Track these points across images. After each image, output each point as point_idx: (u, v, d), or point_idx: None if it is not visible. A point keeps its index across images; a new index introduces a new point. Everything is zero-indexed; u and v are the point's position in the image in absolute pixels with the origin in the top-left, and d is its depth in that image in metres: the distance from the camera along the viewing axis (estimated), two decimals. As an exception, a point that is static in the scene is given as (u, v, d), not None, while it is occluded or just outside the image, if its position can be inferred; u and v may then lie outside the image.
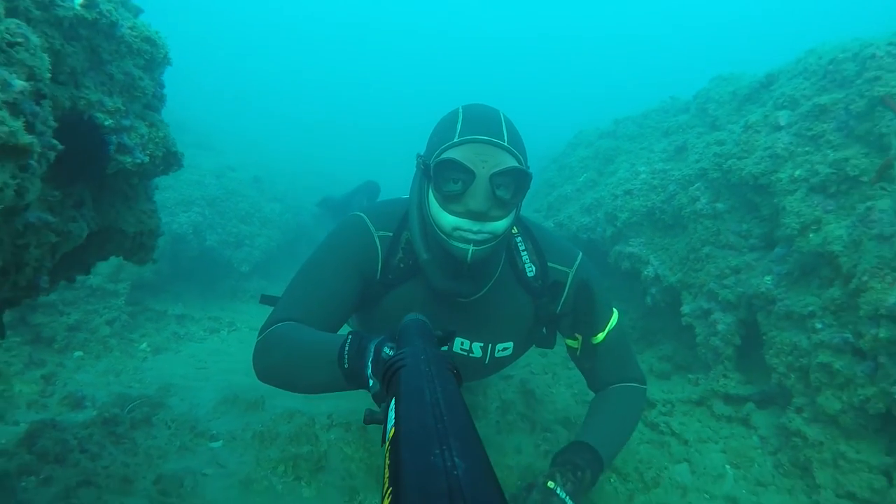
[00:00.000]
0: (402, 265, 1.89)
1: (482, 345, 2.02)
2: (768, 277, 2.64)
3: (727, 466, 2.68)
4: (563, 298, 2.04)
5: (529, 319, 2.05)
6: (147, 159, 1.57)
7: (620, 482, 2.56)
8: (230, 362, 3.86)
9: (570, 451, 1.97)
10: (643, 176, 3.47)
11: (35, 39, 1.02)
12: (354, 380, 1.27)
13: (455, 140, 1.59)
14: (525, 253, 2.00)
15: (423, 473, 0.48)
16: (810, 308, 2.38)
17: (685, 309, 3.08)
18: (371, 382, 1.19)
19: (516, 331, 2.06)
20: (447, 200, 1.59)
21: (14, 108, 0.96)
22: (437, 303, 1.88)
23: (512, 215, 1.67)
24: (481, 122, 1.61)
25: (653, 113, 4.56)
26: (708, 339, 2.95)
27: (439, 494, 0.44)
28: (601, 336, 2.08)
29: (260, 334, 1.74)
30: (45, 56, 1.05)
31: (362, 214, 1.92)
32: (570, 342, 2.15)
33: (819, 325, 2.33)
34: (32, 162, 1.01)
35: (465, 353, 2.02)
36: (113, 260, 2.17)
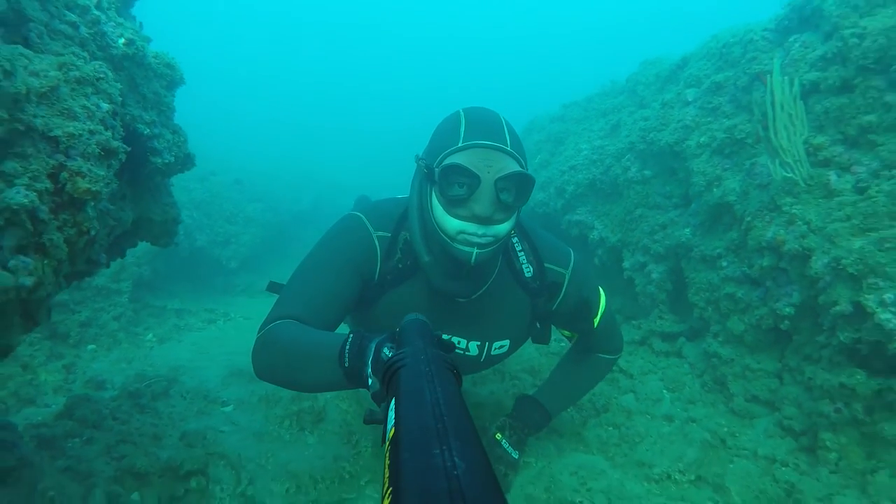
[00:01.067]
0: (400, 266, 1.88)
1: (479, 343, 2.04)
2: (687, 230, 3.16)
3: (664, 391, 3.19)
4: (559, 298, 2.08)
5: (526, 318, 2.08)
6: (172, 160, 2.00)
7: (576, 411, 3.03)
8: (230, 346, 4.27)
9: (523, 406, 2.39)
10: (585, 152, 3.98)
11: (111, 74, 1.45)
12: (355, 379, 1.27)
13: (460, 145, 1.59)
14: (522, 253, 2.02)
15: (423, 473, 0.48)
16: (718, 250, 2.90)
17: (626, 264, 3.59)
18: (371, 382, 1.19)
19: (513, 329, 2.08)
20: (452, 205, 1.60)
21: (104, 123, 1.39)
22: (435, 303, 1.90)
23: (514, 218, 1.68)
24: (484, 127, 1.62)
25: (595, 97, 5.06)
26: (645, 288, 3.46)
27: (439, 494, 0.45)
28: (594, 323, 2.22)
29: (259, 332, 1.72)
30: (117, 85, 1.48)
31: (360, 214, 1.92)
32: (565, 333, 2.31)
33: (725, 263, 2.85)
34: (114, 161, 1.44)
35: (462, 352, 2.05)
36: (114, 262, 2.53)
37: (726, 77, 3.03)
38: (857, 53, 2.27)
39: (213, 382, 3.50)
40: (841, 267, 2.13)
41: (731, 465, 2.58)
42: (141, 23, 2.17)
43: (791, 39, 2.73)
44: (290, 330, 1.62)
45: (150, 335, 4.27)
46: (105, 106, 1.39)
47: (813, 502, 2.23)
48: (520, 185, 1.60)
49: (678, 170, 3.28)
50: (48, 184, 1.25)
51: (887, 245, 2.03)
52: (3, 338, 1.34)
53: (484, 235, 1.61)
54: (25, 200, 1.18)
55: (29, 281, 1.22)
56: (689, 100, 3.22)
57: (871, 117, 2.26)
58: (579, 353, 2.41)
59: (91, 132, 1.33)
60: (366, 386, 1.21)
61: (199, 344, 4.30)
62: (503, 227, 1.64)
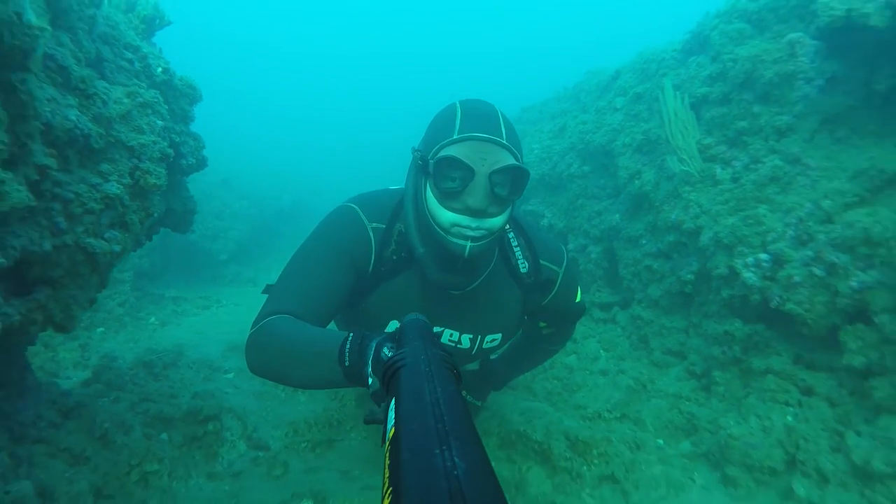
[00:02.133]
0: (394, 257, 1.87)
1: (471, 336, 2.05)
2: (617, 215, 3.79)
3: (601, 351, 3.81)
4: (551, 295, 2.10)
5: (518, 312, 2.09)
6: (193, 161, 2.53)
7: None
8: (225, 327, 4.78)
9: (486, 369, 2.64)
10: (536, 151, 4.59)
11: (161, 98, 1.99)
12: (354, 378, 1.27)
13: (455, 137, 1.58)
14: (518, 249, 2.01)
15: (423, 473, 0.49)
16: (639, 231, 3.53)
17: (570, 246, 4.21)
18: (371, 381, 1.18)
19: (505, 323, 2.09)
20: (446, 197, 1.58)
21: (160, 135, 1.94)
22: (429, 295, 1.89)
23: (508, 211, 1.66)
24: (480, 119, 1.60)
25: (549, 101, 5.69)
26: (586, 266, 4.09)
27: (439, 494, 0.45)
28: (574, 322, 2.37)
29: (253, 327, 1.69)
30: (165, 106, 2.02)
31: (354, 206, 1.90)
32: (542, 325, 2.37)
33: (644, 242, 3.48)
34: (167, 163, 1.99)
35: (454, 345, 2.05)
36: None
37: (645, 88, 3.67)
38: (733, 74, 2.92)
39: (215, 355, 4.01)
40: (720, 239, 2.77)
41: (648, 404, 3.20)
42: (160, 48, 2.70)
43: (691, 60, 3.38)
44: (286, 327, 1.59)
45: (153, 319, 4.76)
46: (159, 122, 1.93)
47: (705, 424, 2.85)
48: (514, 178, 1.58)
49: (609, 166, 3.91)
50: (128, 179, 1.78)
51: (750, 221, 2.66)
52: (91, 292, 1.87)
53: (478, 228, 1.60)
54: (117, 191, 1.71)
55: (118, 248, 1.75)
56: (618, 107, 3.86)
57: (743, 123, 2.90)
58: (530, 341, 2.59)
59: (153, 142, 1.87)
60: (366, 385, 1.20)
61: (197, 326, 4.81)
62: (497, 221, 1.62)
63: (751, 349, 2.78)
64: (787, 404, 2.56)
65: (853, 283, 2.26)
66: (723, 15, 3.20)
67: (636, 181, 3.52)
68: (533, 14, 39.19)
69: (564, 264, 2.10)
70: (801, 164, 2.63)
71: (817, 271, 2.37)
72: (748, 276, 2.61)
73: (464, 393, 2.54)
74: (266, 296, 1.81)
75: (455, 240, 1.62)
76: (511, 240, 2.02)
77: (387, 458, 0.57)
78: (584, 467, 2.62)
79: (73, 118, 1.54)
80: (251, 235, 6.35)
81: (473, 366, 2.59)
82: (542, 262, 2.03)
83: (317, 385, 1.50)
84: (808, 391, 2.53)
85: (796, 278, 2.43)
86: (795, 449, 2.41)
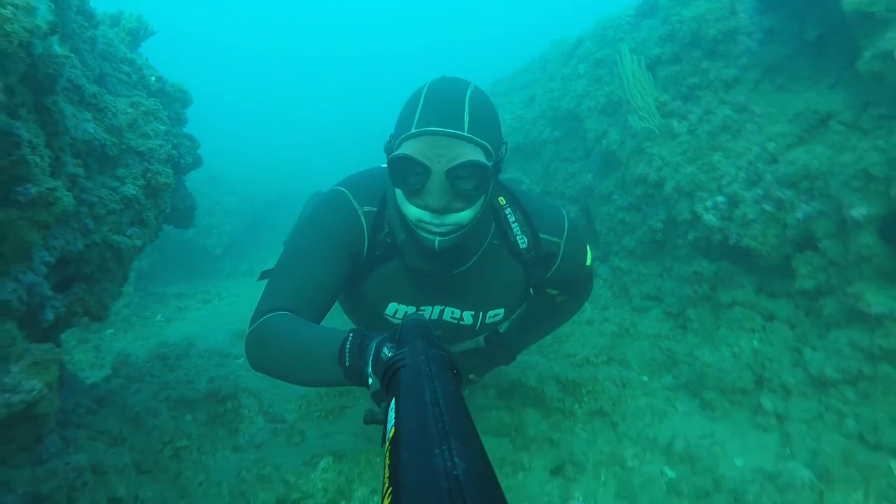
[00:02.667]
0: (388, 240, 1.83)
1: (473, 313, 2.02)
2: (589, 175, 4.03)
3: (586, 304, 4.08)
4: (554, 267, 2.02)
5: (520, 286, 2.05)
6: (191, 161, 2.73)
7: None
8: (228, 318, 5.00)
9: (492, 345, 2.49)
10: (508, 122, 4.80)
11: (160, 105, 2.19)
12: (355, 378, 1.26)
13: (412, 131, 1.52)
14: (516, 224, 1.94)
15: (423, 473, 0.49)
16: (610, 188, 3.78)
17: (549, 210, 4.45)
18: (371, 381, 1.18)
19: (507, 297, 2.05)
20: (408, 193, 1.55)
21: (164, 139, 2.14)
22: (426, 276, 1.86)
23: (478, 204, 1.60)
24: (441, 109, 1.52)
25: (519, 73, 5.88)
26: (565, 226, 4.33)
27: (439, 494, 0.46)
28: (582, 281, 2.27)
29: (251, 324, 1.68)
30: (164, 112, 2.22)
31: (344, 189, 1.85)
32: (551, 291, 2.26)
33: (616, 197, 3.73)
34: (171, 164, 2.19)
35: (456, 321, 2.02)
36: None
37: (605, 53, 3.89)
38: (681, 34, 3.14)
39: (223, 343, 4.25)
40: (681, 187, 3.02)
41: (632, 346, 3.47)
42: (146, 57, 2.88)
43: (644, 23, 3.61)
44: (286, 325, 1.57)
45: (159, 316, 4.96)
46: (162, 127, 2.13)
47: (683, 358, 3.13)
48: (477, 173, 1.51)
49: (578, 129, 4.14)
50: (141, 181, 1.99)
51: (706, 168, 2.92)
52: (118, 285, 2.09)
53: (441, 225, 1.55)
54: (133, 192, 1.92)
55: (139, 243, 1.97)
56: (581, 73, 4.08)
57: (694, 79, 3.14)
58: (547, 305, 2.42)
59: (160, 146, 2.07)
60: (366, 385, 1.20)
61: (201, 319, 5.02)
62: (464, 215, 1.56)
63: (718, 285, 3.05)
64: (752, 331, 2.84)
65: (798, 215, 2.52)
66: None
67: (603, 141, 3.75)
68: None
69: (566, 234, 1.99)
70: (748, 111, 2.88)
71: (767, 207, 2.63)
72: (708, 218, 2.87)
73: (471, 377, 2.48)
74: (264, 282, 1.80)
75: (423, 234, 1.59)
76: (508, 216, 1.94)
77: (387, 458, 0.57)
78: (576, 405, 2.90)
79: (91, 130, 1.74)
80: (243, 229, 6.54)
81: (477, 342, 2.52)
82: (541, 235, 1.95)
83: (317, 384, 1.52)
84: (770, 317, 2.81)
85: (750, 216, 2.69)
86: (762, 369, 2.70)
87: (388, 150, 1.63)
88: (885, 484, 2.05)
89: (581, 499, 2.30)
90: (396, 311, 1.95)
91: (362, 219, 1.80)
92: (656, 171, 3.22)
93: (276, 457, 2.77)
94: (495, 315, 2.07)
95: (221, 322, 4.89)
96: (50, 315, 1.55)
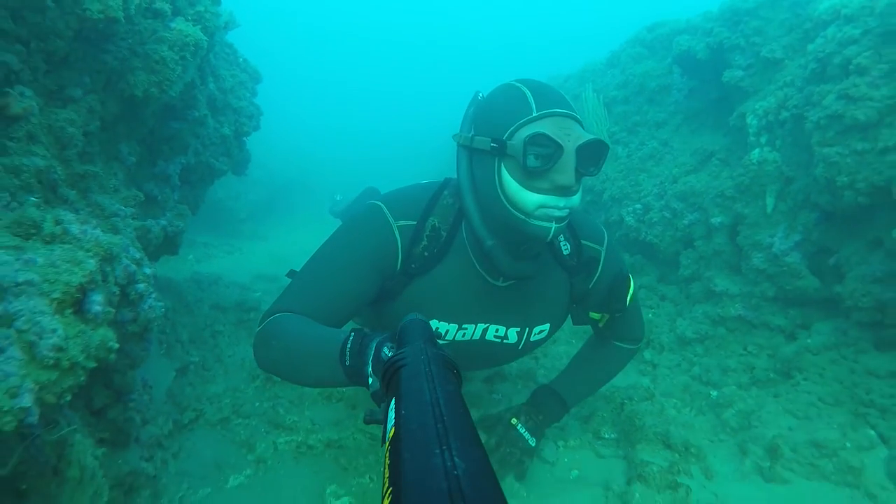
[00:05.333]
0: (426, 253, 1.79)
1: (518, 330, 1.94)
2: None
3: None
4: (596, 276, 2.00)
5: (565, 298, 2.00)
6: (256, 124, 3.72)
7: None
8: (250, 266, 5.97)
9: (540, 396, 2.29)
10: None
11: (247, 78, 3.19)
12: (355, 378, 1.26)
13: (535, 114, 1.51)
14: None
15: (423, 473, 0.49)
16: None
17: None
18: (371, 381, 1.18)
19: (553, 311, 1.99)
20: (531, 177, 1.50)
21: (249, 101, 3.15)
22: (468, 289, 1.82)
23: (581, 190, 1.61)
24: (554, 96, 1.56)
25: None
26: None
27: (439, 494, 0.46)
28: (626, 302, 2.10)
29: (261, 323, 1.70)
30: (251, 84, 3.22)
31: (381, 204, 1.83)
32: (594, 315, 2.15)
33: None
34: (253, 120, 3.21)
35: (500, 340, 1.95)
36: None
37: (581, 90, 4.92)
38: (632, 83, 4.18)
39: (245, 281, 5.21)
40: (614, 196, 4.02)
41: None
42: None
43: (609, 72, 4.66)
44: (291, 325, 1.59)
45: (190, 256, 5.94)
46: (247, 94, 3.13)
47: (601, 327, 4.09)
48: (598, 153, 1.54)
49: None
50: (233, 127, 2.98)
51: (633, 183, 3.93)
52: (203, 194, 3.06)
53: (564, 207, 1.53)
54: (228, 133, 2.91)
55: (225, 168, 2.95)
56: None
57: (637, 117, 4.17)
58: (600, 341, 2.32)
59: (246, 106, 3.07)
60: (366, 385, 1.20)
61: (226, 265, 5.99)
62: (578, 198, 1.58)
63: (634, 273, 4.02)
64: (650, 307, 3.80)
65: (685, 221, 3.52)
66: (629, 42, 4.48)
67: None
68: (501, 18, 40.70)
69: (606, 242, 2.02)
70: (668, 146, 3.90)
71: (667, 214, 3.63)
72: (629, 220, 3.86)
73: (514, 422, 2.25)
74: (288, 280, 1.86)
75: (539, 223, 1.53)
76: None
77: (387, 458, 0.57)
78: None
79: (213, 89, 2.73)
80: (265, 199, 7.55)
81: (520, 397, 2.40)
82: (583, 241, 1.94)
83: (320, 384, 1.53)
84: (662, 297, 3.78)
85: (655, 219, 3.69)
86: (650, 333, 3.66)
87: (495, 141, 1.53)
88: (703, 402, 2.99)
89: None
90: (437, 328, 1.86)
91: (396, 234, 1.76)
92: (601, 184, 4.22)
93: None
94: (540, 332, 1.98)
95: (243, 268, 5.86)
96: (178, 194, 2.53)
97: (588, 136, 1.50)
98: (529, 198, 1.51)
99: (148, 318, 1.65)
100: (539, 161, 1.47)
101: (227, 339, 3.77)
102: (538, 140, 1.45)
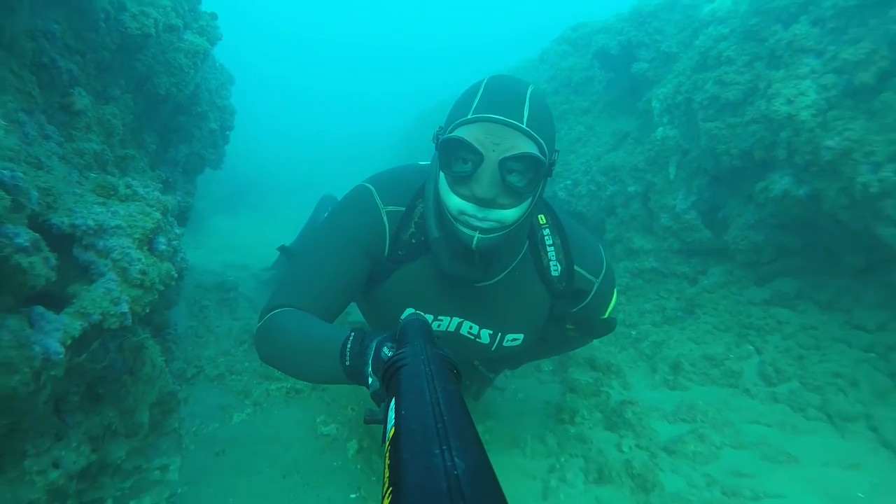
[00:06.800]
0: (413, 241, 1.76)
1: (491, 332, 1.92)
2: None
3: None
4: (582, 305, 1.96)
5: (544, 314, 1.94)
6: (232, 123, 4.17)
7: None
8: (218, 259, 6.33)
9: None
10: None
11: (228, 81, 3.64)
12: (355, 377, 1.25)
13: (469, 117, 1.43)
14: (552, 249, 1.84)
15: (423, 473, 0.49)
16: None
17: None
18: (371, 381, 1.17)
19: (529, 324, 1.95)
20: (455, 181, 1.46)
21: (230, 101, 3.60)
22: (448, 283, 1.78)
23: (526, 205, 1.51)
24: (500, 99, 1.44)
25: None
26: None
27: (439, 494, 0.46)
28: (601, 320, 2.07)
29: (261, 318, 1.68)
30: (230, 86, 3.67)
31: (370, 186, 1.81)
32: (569, 327, 2.07)
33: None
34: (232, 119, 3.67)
35: (473, 338, 1.93)
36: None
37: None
38: (560, 76, 4.80)
39: (217, 269, 5.58)
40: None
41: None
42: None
43: (541, 66, 5.27)
44: (292, 322, 1.57)
45: (161, 251, 6.26)
46: (229, 94, 3.58)
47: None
48: (531, 168, 1.43)
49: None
50: (219, 123, 3.42)
51: (565, 164, 4.54)
52: (195, 178, 3.49)
53: (485, 220, 1.46)
54: (214, 127, 3.36)
55: (213, 158, 3.39)
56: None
57: (565, 106, 4.79)
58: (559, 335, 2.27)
59: (230, 105, 3.52)
60: (366, 385, 1.19)
61: (195, 258, 6.32)
62: (509, 213, 1.47)
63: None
64: (583, 269, 4.43)
65: (608, 192, 4.15)
66: (557, 41, 5.13)
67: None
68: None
69: (602, 275, 1.94)
70: (593, 129, 4.53)
71: (592, 187, 4.26)
72: (562, 194, 4.48)
73: (476, 363, 2.44)
74: (278, 253, 1.97)
75: (463, 228, 1.50)
76: (545, 237, 1.85)
77: (387, 458, 0.57)
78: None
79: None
80: (228, 196, 7.91)
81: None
82: (576, 268, 1.87)
83: (321, 381, 1.50)
84: (593, 260, 4.41)
85: (583, 192, 4.31)
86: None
87: (437, 137, 1.52)
88: (625, 340, 3.60)
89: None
90: None
91: (384, 218, 1.74)
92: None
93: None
94: (514, 339, 1.95)
95: (215, 259, 6.22)
96: (183, 177, 2.97)
97: (518, 150, 1.39)
98: (452, 201, 1.49)
99: (180, 268, 2.12)
100: (460, 166, 1.44)
101: (213, 312, 4.19)
102: (457, 144, 1.42)
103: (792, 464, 2.27)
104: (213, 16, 2.66)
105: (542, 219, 1.85)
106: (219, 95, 3.38)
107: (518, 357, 2.40)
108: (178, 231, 2.17)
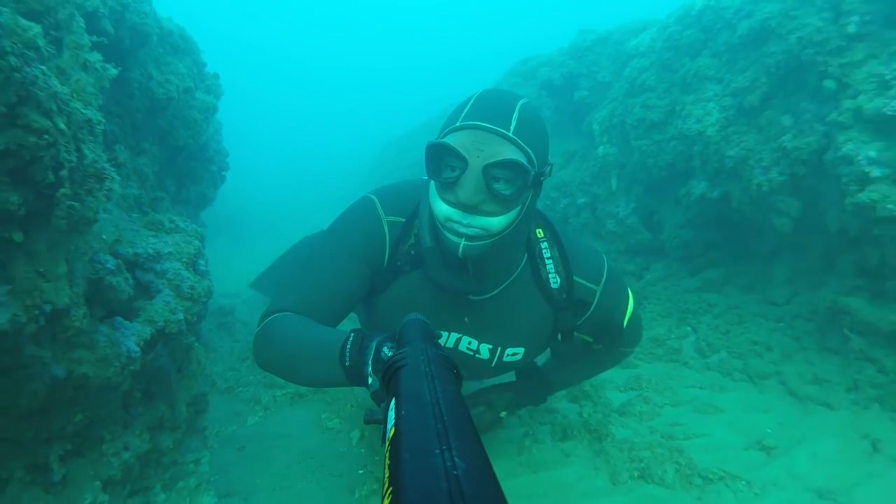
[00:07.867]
0: (412, 252, 1.76)
1: (490, 347, 1.90)
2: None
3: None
4: (586, 315, 1.91)
5: (547, 329, 1.92)
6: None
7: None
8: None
9: (527, 379, 2.27)
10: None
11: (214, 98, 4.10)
12: (355, 378, 1.26)
13: (457, 124, 1.46)
14: (550, 262, 1.81)
15: (423, 473, 0.49)
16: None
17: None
18: (371, 381, 1.18)
19: (530, 338, 1.92)
20: (442, 188, 1.47)
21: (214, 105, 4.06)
22: (446, 297, 1.75)
23: (513, 213, 1.50)
24: (489, 109, 1.46)
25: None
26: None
27: (439, 494, 0.46)
28: (621, 330, 2.04)
29: (259, 323, 1.69)
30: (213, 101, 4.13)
31: (373, 197, 1.82)
32: (586, 338, 2.11)
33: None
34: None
35: (472, 353, 1.91)
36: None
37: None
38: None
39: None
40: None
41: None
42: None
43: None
44: (290, 326, 1.58)
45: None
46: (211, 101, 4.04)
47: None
48: (517, 176, 1.42)
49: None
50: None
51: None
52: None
53: (469, 226, 1.46)
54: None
55: (203, 231, 3.81)
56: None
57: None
58: (586, 352, 2.25)
59: (213, 105, 3.97)
60: (366, 385, 1.20)
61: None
62: (495, 221, 1.46)
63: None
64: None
65: (561, 205, 4.70)
66: (508, 73, 5.74)
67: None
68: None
69: (603, 281, 1.89)
70: (545, 151, 5.10)
71: (547, 201, 4.81)
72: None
73: (503, 415, 2.29)
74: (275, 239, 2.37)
75: (449, 235, 1.51)
76: (543, 250, 1.83)
77: (387, 458, 0.57)
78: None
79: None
80: (211, 232, 8.26)
81: (501, 378, 2.26)
82: (575, 278, 1.84)
83: (320, 384, 1.51)
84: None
85: (539, 206, 4.84)
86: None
87: (429, 143, 1.49)
88: (585, 331, 4.13)
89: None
90: None
91: (385, 229, 1.75)
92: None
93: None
94: (514, 354, 1.93)
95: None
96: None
97: (502, 157, 1.40)
98: (439, 207, 1.50)
99: (208, 289, 2.56)
100: (447, 172, 1.45)
101: (215, 335, 4.57)
102: (440, 150, 1.44)
103: (717, 413, 2.79)
104: (216, 76, 3.12)
105: (539, 232, 1.85)
106: (215, 140, 3.81)
107: (545, 380, 2.30)
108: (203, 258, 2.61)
